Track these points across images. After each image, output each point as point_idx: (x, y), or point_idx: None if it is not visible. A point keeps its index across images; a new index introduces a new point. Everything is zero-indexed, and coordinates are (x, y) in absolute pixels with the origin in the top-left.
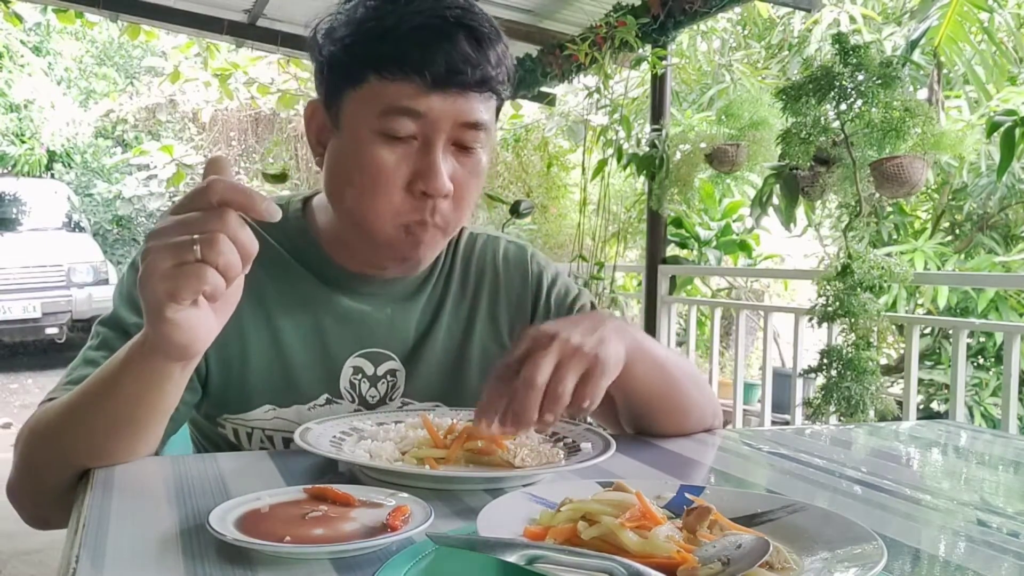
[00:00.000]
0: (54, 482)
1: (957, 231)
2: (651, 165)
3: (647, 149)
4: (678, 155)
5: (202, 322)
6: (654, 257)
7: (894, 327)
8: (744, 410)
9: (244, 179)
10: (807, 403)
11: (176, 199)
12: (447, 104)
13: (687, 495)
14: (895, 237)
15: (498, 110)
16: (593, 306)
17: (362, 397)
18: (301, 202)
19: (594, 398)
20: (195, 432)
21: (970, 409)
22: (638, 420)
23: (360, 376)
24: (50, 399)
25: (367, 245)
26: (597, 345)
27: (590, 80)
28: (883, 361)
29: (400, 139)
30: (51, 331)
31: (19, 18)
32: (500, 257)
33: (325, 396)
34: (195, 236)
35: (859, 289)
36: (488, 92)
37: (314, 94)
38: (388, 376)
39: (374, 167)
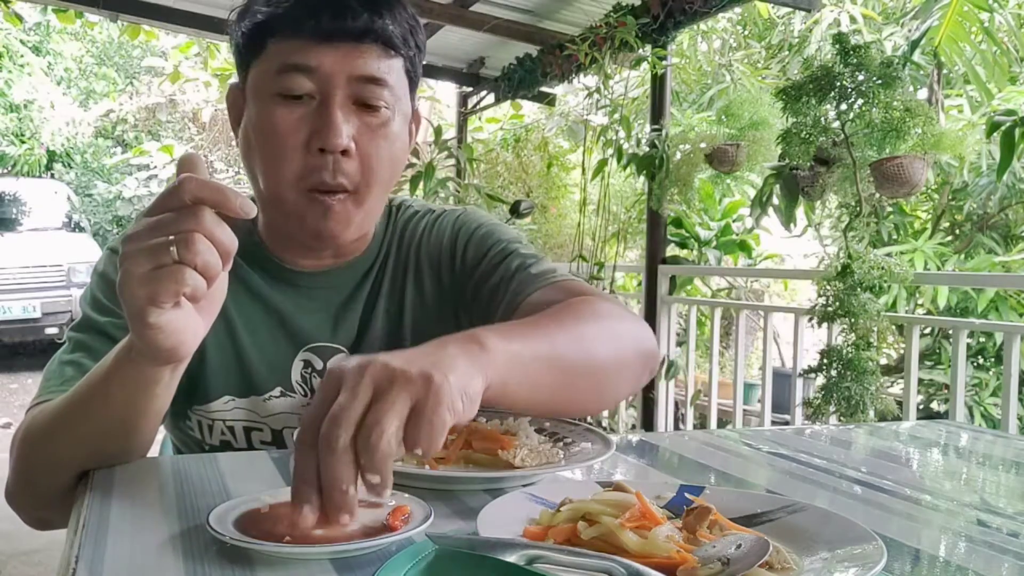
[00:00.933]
0: (50, 485)
1: (957, 231)
2: (651, 165)
3: (647, 149)
4: (678, 155)
5: (187, 324)
6: (654, 257)
7: (894, 327)
8: (744, 410)
9: (244, 180)
10: (807, 403)
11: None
12: (338, 57)
13: (687, 495)
14: (895, 237)
15: (411, 76)
16: (527, 256)
17: (314, 391)
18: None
19: (430, 441)
20: (170, 436)
21: (970, 409)
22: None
23: (310, 371)
24: (38, 403)
25: (282, 220)
26: (429, 368)
27: (590, 80)
28: (883, 361)
29: (298, 99)
30: (51, 331)
31: (19, 18)
32: (432, 226)
33: (279, 389)
34: (170, 237)
35: (859, 289)
36: (381, 45)
37: None
38: None
39: (273, 127)
